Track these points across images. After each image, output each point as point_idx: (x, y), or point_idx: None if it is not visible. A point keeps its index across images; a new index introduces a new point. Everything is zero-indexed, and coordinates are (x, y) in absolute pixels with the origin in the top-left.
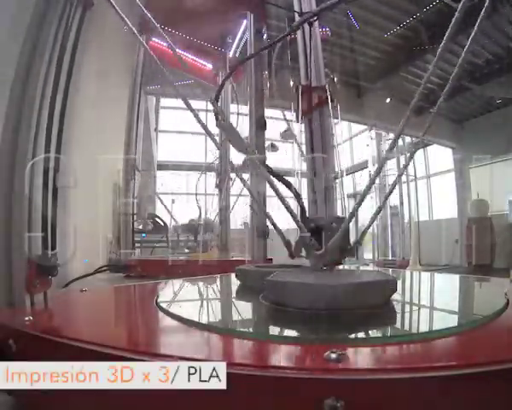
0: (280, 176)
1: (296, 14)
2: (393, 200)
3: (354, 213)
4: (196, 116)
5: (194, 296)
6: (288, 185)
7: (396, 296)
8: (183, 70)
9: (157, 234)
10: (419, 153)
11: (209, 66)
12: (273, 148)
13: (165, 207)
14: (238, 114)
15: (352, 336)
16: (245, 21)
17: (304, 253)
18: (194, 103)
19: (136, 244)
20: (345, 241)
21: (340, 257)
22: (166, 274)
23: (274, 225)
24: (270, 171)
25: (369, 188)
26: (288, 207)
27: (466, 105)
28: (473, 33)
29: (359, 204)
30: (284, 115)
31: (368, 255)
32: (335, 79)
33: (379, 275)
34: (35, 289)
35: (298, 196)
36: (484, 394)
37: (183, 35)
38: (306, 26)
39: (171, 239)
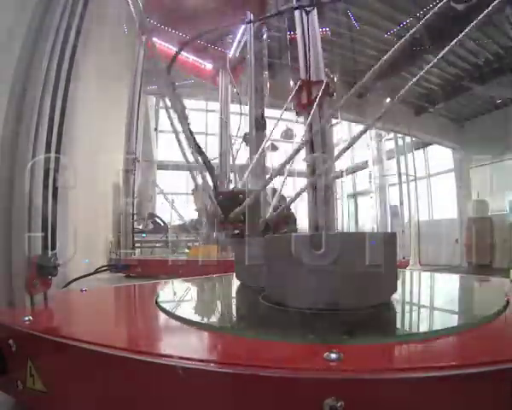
0: (199, 148)
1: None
2: (393, 200)
3: (264, 187)
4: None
5: (194, 296)
6: (204, 159)
7: (396, 296)
8: (184, 71)
9: (157, 234)
10: (419, 153)
11: (209, 66)
12: (273, 148)
13: (170, 203)
14: (240, 114)
15: (352, 335)
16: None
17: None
18: (195, 103)
19: (136, 244)
20: (254, 214)
21: (250, 230)
22: (166, 274)
23: None
24: (193, 139)
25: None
26: (203, 178)
27: (466, 105)
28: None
29: (271, 179)
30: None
31: None
32: (335, 78)
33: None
34: (35, 289)
35: (211, 170)
36: (484, 394)
37: (182, 35)
38: (305, 17)
39: (170, 239)
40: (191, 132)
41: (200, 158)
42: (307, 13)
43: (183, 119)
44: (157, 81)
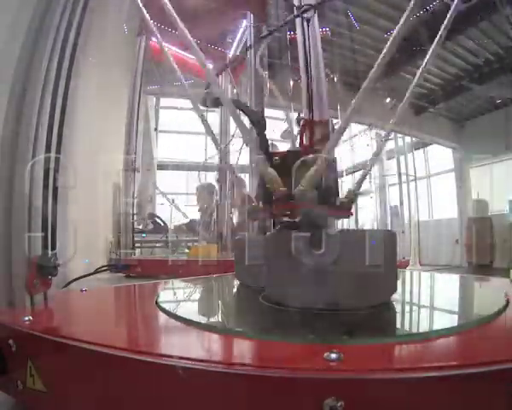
0: (244, 105)
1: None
2: (393, 200)
3: (336, 143)
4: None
5: (194, 296)
6: (249, 113)
7: (396, 296)
8: (183, 70)
9: (157, 234)
10: (419, 153)
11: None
12: (273, 147)
13: (171, 202)
14: (241, 113)
15: (352, 335)
16: (245, 21)
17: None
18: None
19: (136, 244)
20: (329, 188)
21: (322, 212)
22: (166, 274)
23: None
24: (235, 101)
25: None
26: (246, 136)
27: (466, 105)
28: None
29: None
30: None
31: None
32: (335, 78)
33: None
34: (35, 289)
35: (260, 126)
36: (484, 394)
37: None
38: (305, 22)
39: (170, 239)
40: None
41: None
42: (308, 21)
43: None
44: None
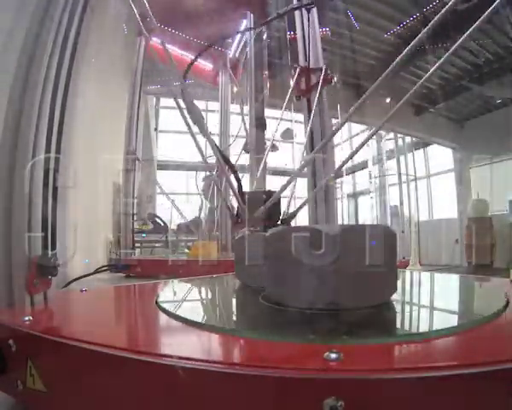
0: (222, 153)
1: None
2: (393, 200)
3: (284, 188)
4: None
5: (194, 296)
6: (227, 161)
7: (396, 296)
8: (184, 71)
9: (157, 234)
10: (419, 153)
11: (209, 66)
12: (273, 148)
13: (172, 201)
14: (243, 115)
15: (352, 335)
16: (245, 21)
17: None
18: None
19: (136, 244)
20: (275, 213)
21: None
22: (166, 274)
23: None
24: (216, 147)
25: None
26: (229, 182)
27: (466, 105)
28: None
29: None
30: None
31: None
32: (335, 78)
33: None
34: (35, 289)
35: (235, 172)
36: (484, 394)
37: (183, 35)
38: (305, 13)
39: (170, 239)
40: (221, 152)
41: (221, 159)
42: (308, 11)
43: (202, 123)
44: (170, 86)
